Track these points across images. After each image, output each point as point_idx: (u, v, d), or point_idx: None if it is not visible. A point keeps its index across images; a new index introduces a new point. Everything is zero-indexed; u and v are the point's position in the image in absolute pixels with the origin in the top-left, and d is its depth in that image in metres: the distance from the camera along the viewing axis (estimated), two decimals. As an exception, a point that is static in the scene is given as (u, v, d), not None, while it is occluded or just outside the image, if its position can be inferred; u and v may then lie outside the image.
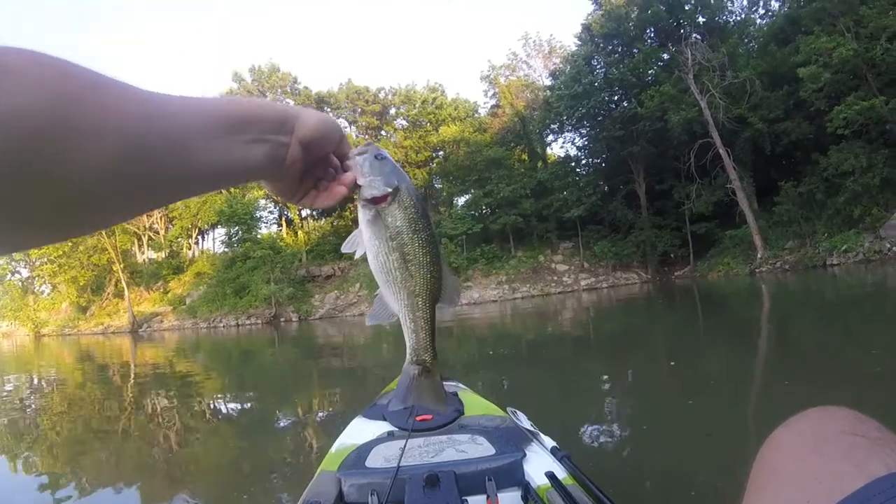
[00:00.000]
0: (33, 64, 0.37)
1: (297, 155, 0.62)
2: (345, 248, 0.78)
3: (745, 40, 33.37)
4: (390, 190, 0.72)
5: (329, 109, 47.47)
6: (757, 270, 25.90)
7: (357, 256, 0.76)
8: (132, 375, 12.72)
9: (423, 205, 0.76)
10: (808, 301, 14.00)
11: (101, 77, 0.42)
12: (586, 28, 36.21)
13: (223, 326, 34.29)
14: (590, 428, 4.57)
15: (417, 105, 45.97)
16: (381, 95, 47.26)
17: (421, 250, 0.74)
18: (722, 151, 28.42)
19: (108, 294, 44.90)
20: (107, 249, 41.84)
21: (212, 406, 7.77)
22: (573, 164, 39.25)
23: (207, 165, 0.51)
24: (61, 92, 0.38)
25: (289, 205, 45.53)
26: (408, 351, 0.78)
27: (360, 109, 46.56)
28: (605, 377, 6.90)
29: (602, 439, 4.30)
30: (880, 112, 22.39)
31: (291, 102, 39.60)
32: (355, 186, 0.71)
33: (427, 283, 0.75)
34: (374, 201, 0.72)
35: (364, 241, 0.75)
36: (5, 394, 11.05)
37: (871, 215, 22.56)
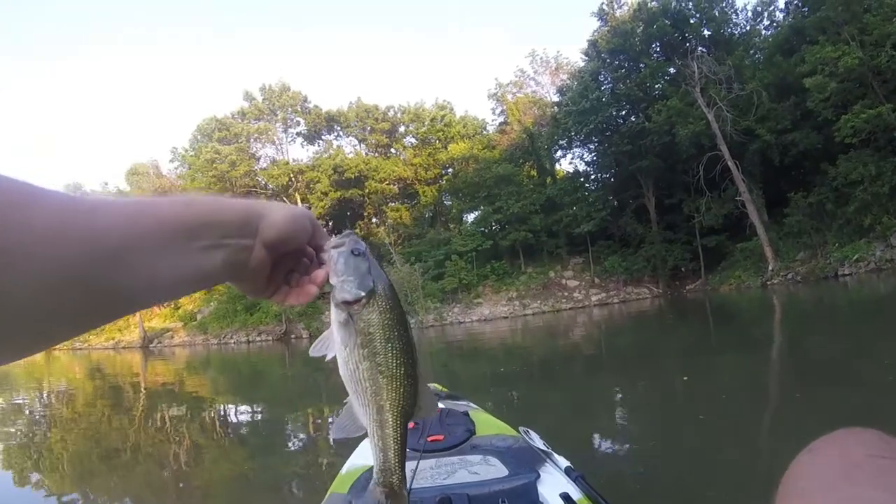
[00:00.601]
0: None
1: (262, 257, 0.57)
2: (313, 352, 0.71)
3: (751, 52, 33.26)
4: (364, 294, 0.66)
5: (339, 128, 47.87)
6: (769, 283, 25.67)
7: (328, 359, 0.71)
8: (143, 392, 12.76)
9: (401, 309, 0.70)
10: (820, 312, 13.88)
11: (26, 193, 0.37)
12: (592, 44, 36.30)
13: (234, 343, 34.38)
14: (604, 446, 4.54)
15: (426, 123, 46.19)
16: (391, 114, 47.53)
17: (394, 361, 0.68)
18: (731, 164, 28.30)
19: (119, 309, 45.08)
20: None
21: (221, 424, 7.78)
22: (582, 179, 39.17)
23: (157, 280, 0.46)
24: None
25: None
26: (374, 470, 0.72)
27: (369, 128, 46.82)
28: (618, 394, 6.86)
29: (616, 457, 4.26)
30: (887, 120, 22.29)
31: (302, 121, 39.76)
32: (329, 283, 0.66)
33: (399, 397, 0.69)
34: (347, 304, 0.66)
35: (336, 348, 0.69)
36: (16, 407, 11.11)
37: (882, 224, 22.33)
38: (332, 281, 0.66)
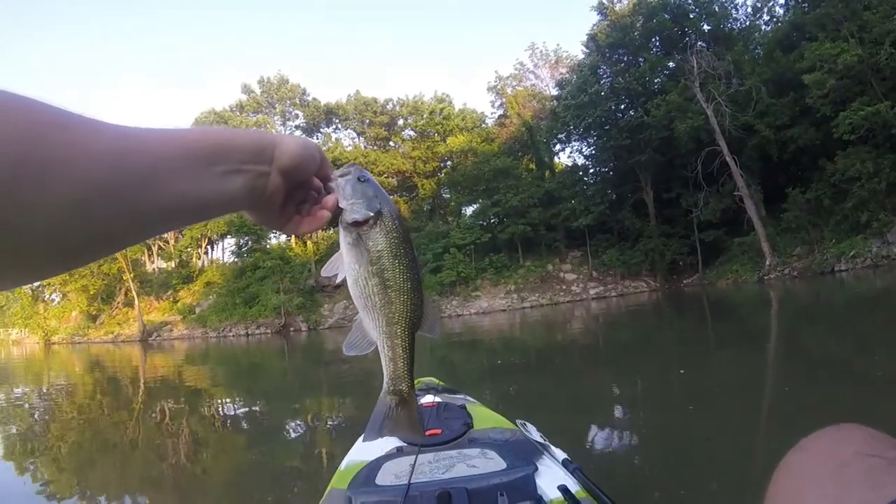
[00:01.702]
0: None
1: (278, 183, 0.60)
2: (324, 272, 0.76)
3: (751, 47, 33.28)
4: (372, 214, 0.71)
5: (337, 121, 47.81)
6: (765, 277, 25.73)
7: (338, 281, 0.75)
8: (142, 385, 12.79)
9: (406, 230, 0.74)
10: (815, 308, 13.94)
11: (66, 114, 0.41)
12: (592, 38, 36.26)
13: (233, 336, 34.38)
14: (600, 438, 4.59)
15: (425, 116, 46.13)
16: (389, 107, 47.50)
17: (401, 276, 0.72)
18: (729, 159, 28.31)
19: (119, 303, 45.13)
20: (117, 258, 42.05)
21: (220, 419, 7.82)
22: (581, 173, 39.23)
23: (183, 199, 0.49)
24: (23, 134, 0.36)
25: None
26: (385, 380, 0.76)
27: (368, 121, 46.79)
28: (615, 386, 6.91)
29: (613, 449, 4.32)
30: (886, 117, 22.32)
31: (300, 114, 39.71)
32: (337, 209, 0.70)
33: (407, 309, 0.73)
34: (356, 225, 0.71)
35: (344, 265, 0.73)
36: (15, 401, 11.14)
37: (879, 220, 22.39)
38: (342, 204, 0.70)
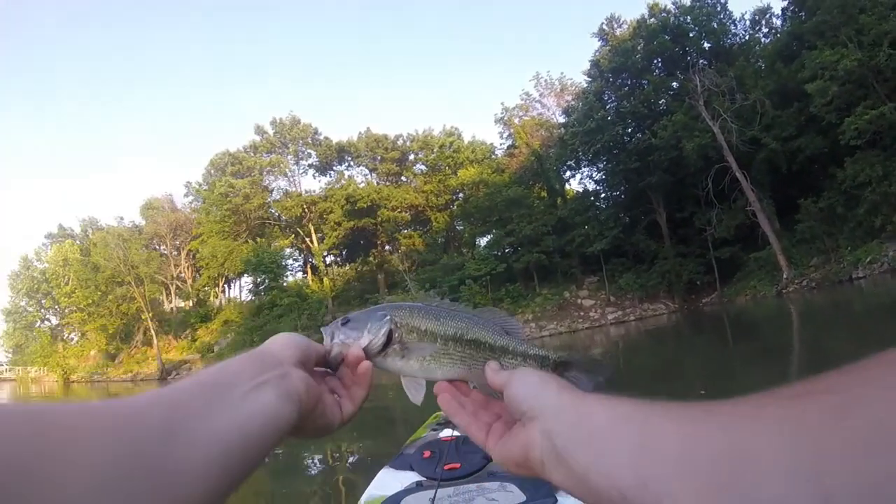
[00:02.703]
0: None
1: (303, 376, 0.58)
2: (416, 400, 0.71)
3: (752, 61, 33.27)
4: (388, 318, 0.68)
5: (350, 158, 48.43)
6: (784, 291, 25.48)
7: (419, 395, 0.71)
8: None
9: (415, 304, 0.73)
10: (836, 318, 13.81)
11: (55, 413, 0.38)
12: (595, 64, 36.63)
13: (252, 374, 34.38)
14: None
15: (435, 150, 46.53)
16: (400, 142, 47.99)
17: (462, 322, 0.70)
18: (739, 175, 28.25)
19: (137, 342, 45.57)
20: (135, 298, 42.68)
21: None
22: (592, 198, 39.24)
23: (227, 434, 0.46)
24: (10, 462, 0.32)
25: (313, 251, 45.00)
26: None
27: (379, 157, 47.26)
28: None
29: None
30: (890, 118, 22.30)
31: (313, 153, 40.07)
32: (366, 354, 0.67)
33: (496, 333, 0.71)
34: (390, 337, 0.68)
35: (420, 373, 0.70)
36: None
37: (893, 223, 22.13)
38: (363, 343, 0.67)
